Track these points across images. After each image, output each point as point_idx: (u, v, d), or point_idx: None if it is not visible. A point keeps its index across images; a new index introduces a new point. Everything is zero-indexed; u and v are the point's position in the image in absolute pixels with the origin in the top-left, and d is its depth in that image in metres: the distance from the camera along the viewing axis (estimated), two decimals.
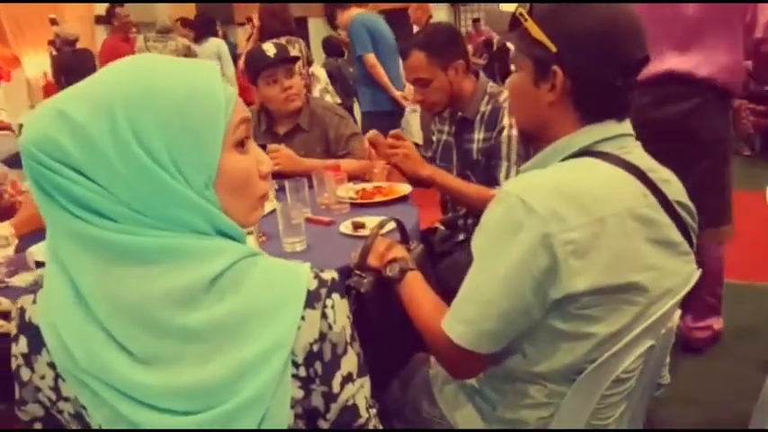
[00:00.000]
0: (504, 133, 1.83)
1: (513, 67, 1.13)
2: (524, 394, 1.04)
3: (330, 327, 0.70)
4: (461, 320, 0.99)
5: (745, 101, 5.89)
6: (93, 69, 5.72)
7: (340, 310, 0.71)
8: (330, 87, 4.23)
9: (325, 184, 1.95)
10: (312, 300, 0.69)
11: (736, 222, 2.29)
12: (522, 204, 0.92)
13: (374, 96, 4.01)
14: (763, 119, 6.10)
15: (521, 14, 1.02)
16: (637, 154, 1.02)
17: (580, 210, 0.91)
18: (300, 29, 4.50)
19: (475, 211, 1.96)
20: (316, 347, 0.69)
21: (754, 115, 6.06)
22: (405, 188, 1.99)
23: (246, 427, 0.64)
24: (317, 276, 0.72)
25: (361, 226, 1.67)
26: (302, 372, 0.70)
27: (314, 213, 1.87)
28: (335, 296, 0.71)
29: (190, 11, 7.57)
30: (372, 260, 1.25)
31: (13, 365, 0.69)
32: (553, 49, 0.98)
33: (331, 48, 5.77)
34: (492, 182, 1.84)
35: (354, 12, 4.00)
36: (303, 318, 0.68)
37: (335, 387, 0.71)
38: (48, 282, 0.66)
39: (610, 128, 1.01)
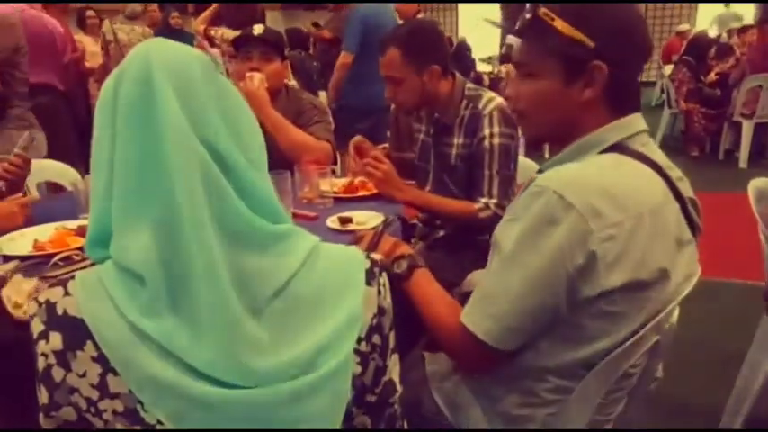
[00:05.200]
0: (486, 142, 1.80)
1: (506, 75, 1.12)
2: (532, 391, 1.05)
3: (385, 301, 0.76)
4: (488, 315, 0.98)
5: (698, 105, 6.15)
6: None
7: (389, 288, 0.77)
8: (293, 81, 4.18)
9: (308, 178, 1.92)
10: (369, 278, 0.75)
11: (709, 222, 2.37)
12: (560, 199, 0.92)
13: (357, 92, 3.98)
14: (713, 122, 6.38)
15: (545, 14, 0.99)
16: (657, 151, 1.04)
17: (618, 206, 0.92)
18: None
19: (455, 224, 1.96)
20: (375, 321, 0.74)
21: (705, 119, 6.34)
22: None
23: (318, 403, 0.68)
24: (367, 257, 0.77)
25: (349, 221, 1.66)
26: (363, 346, 0.73)
27: (295, 208, 1.84)
28: (384, 275, 0.77)
29: None
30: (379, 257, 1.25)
31: (41, 366, 0.64)
32: (591, 44, 0.98)
33: (295, 40, 5.66)
34: (472, 190, 1.84)
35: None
36: (365, 294, 0.73)
37: (387, 359, 0.76)
38: (109, 271, 0.66)
39: (635, 123, 1.03)
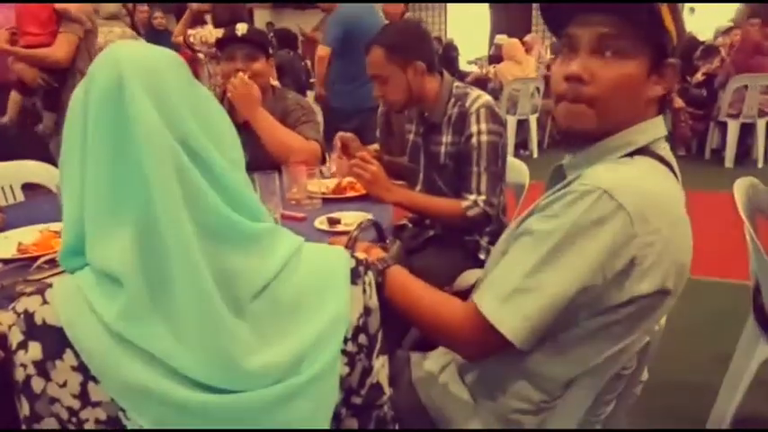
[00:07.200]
0: (473, 140, 1.80)
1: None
2: (521, 394, 1.04)
3: (371, 301, 0.74)
4: (518, 313, 0.93)
5: (685, 105, 6.18)
6: None
7: (375, 287, 0.76)
8: (275, 82, 4.16)
9: (296, 179, 1.91)
10: (354, 277, 0.73)
11: (695, 221, 2.39)
12: (611, 199, 0.89)
13: (344, 93, 3.98)
14: (699, 122, 6.43)
15: None
16: (672, 158, 1.03)
17: (659, 212, 0.91)
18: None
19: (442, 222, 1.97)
20: (361, 321, 0.73)
21: (692, 119, 6.38)
22: None
23: (305, 406, 0.66)
24: (352, 256, 0.76)
25: (337, 222, 1.65)
26: (350, 346, 0.72)
27: (283, 209, 1.83)
28: (370, 273, 0.76)
29: None
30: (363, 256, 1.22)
31: (20, 377, 0.62)
32: (675, 41, 0.95)
33: (283, 39, 5.64)
34: (461, 188, 1.85)
35: None
36: (350, 294, 0.72)
37: (373, 360, 0.75)
38: (87, 277, 0.64)
39: (661, 127, 1.02)
